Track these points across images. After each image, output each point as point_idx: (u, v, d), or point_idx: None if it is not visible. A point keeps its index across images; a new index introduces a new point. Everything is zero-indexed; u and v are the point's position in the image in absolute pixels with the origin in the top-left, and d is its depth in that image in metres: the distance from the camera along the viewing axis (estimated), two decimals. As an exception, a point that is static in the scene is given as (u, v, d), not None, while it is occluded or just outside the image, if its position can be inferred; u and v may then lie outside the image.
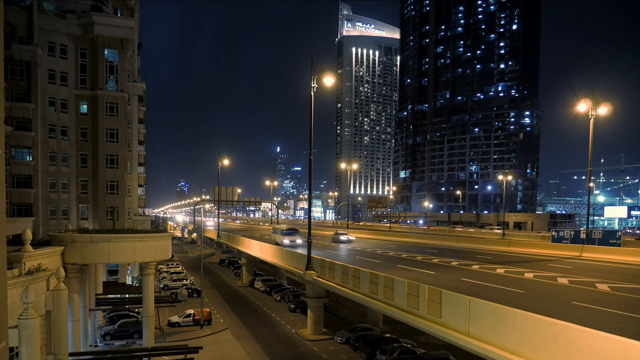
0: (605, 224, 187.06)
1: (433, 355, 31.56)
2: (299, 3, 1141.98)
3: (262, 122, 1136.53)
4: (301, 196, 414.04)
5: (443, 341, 21.43)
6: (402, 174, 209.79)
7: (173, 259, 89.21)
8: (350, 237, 61.81)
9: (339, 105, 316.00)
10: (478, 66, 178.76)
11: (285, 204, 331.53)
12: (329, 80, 33.27)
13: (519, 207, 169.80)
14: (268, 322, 46.09)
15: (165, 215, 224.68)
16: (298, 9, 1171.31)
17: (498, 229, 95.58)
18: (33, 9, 41.56)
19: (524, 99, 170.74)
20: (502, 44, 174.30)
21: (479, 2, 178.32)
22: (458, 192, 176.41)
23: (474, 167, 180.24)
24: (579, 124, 47.70)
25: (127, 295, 43.75)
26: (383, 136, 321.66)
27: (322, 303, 41.07)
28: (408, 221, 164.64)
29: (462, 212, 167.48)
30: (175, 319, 43.81)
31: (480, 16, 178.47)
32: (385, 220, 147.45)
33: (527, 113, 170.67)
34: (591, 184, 52.31)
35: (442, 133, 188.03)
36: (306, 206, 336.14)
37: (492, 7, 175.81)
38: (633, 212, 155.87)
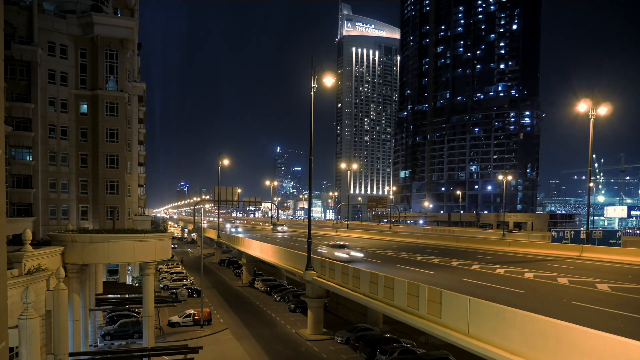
0: (605, 224, 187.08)
1: (433, 355, 31.55)
2: (299, 3, 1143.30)
3: (262, 122, 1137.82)
4: (301, 196, 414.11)
5: (443, 341, 21.42)
6: (402, 174, 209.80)
7: (173, 258, 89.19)
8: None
9: (339, 105, 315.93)
10: (478, 66, 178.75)
11: (285, 204, 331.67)
12: (329, 80, 33.24)
13: (519, 207, 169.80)
14: (268, 322, 46.08)
15: (166, 216, 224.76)
16: (298, 9, 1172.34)
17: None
18: (33, 9, 41.54)
19: (524, 99, 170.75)
20: (502, 44, 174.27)
21: (479, 2, 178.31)
22: (458, 192, 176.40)
23: (474, 167, 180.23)
24: (579, 124, 47.68)
25: (127, 295, 43.76)
26: (383, 136, 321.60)
27: (322, 303, 41.06)
28: (408, 221, 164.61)
29: (462, 212, 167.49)
30: (175, 319, 43.80)
31: (480, 16, 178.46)
32: (386, 220, 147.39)
33: (527, 113, 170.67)
34: (591, 184, 52.30)
35: (442, 133, 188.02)
36: (306, 206, 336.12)
37: (492, 7, 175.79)
38: (633, 212, 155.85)
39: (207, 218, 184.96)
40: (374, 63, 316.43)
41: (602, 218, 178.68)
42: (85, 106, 45.21)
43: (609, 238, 44.76)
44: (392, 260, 38.35)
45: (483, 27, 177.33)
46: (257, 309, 52.01)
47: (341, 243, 41.60)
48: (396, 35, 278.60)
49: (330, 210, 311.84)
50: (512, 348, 15.37)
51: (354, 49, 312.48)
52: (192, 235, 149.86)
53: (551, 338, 13.97)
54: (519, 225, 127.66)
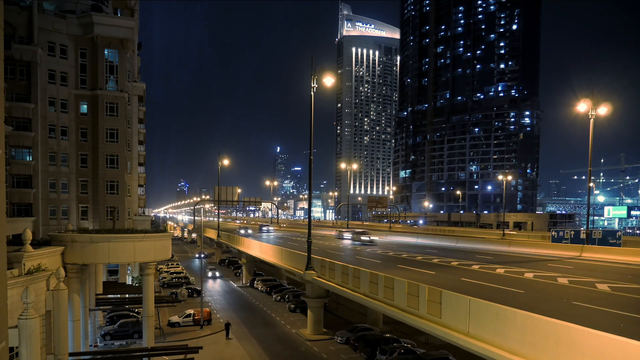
0: (605, 223, 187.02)
1: (433, 355, 31.55)
2: (299, 3, 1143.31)
3: (262, 122, 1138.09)
4: (301, 196, 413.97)
5: (443, 341, 21.42)
6: (402, 174, 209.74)
7: (173, 258, 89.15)
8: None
9: (339, 105, 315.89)
10: (478, 66, 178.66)
11: (285, 204, 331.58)
12: (329, 80, 33.26)
13: (519, 207, 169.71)
14: (268, 322, 46.08)
15: (166, 215, 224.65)
16: (298, 9, 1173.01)
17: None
18: (33, 9, 41.54)
19: (524, 99, 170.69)
20: (502, 44, 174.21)
21: (479, 2, 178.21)
22: (458, 192, 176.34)
23: (474, 167, 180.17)
24: (579, 124, 47.69)
25: (127, 295, 43.76)
26: (383, 136, 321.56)
27: (322, 303, 41.06)
28: (408, 221, 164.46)
29: (462, 212, 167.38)
30: (175, 319, 43.80)
31: (480, 16, 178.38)
32: (385, 220, 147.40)
33: (527, 113, 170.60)
34: (591, 184, 52.29)
35: (442, 133, 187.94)
36: (306, 206, 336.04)
37: (492, 7, 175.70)
38: (633, 212, 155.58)
39: (208, 218, 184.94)
40: (373, 63, 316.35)
41: (602, 218, 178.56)
42: (85, 106, 45.20)
43: (609, 238, 44.71)
44: (392, 260, 38.35)
45: (483, 27, 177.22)
46: (257, 309, 52.01)
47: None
48: (396, 35, 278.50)
49: (330, 210, 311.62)
50: (512, 348, 15.37)
51: (354, 49, 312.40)
52: (193, 235, 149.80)
53: (551, 338, 13.97)
54: (519, 225, 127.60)
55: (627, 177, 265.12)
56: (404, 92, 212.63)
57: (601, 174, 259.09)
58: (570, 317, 16.24)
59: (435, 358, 31.02)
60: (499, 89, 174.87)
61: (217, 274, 77.23)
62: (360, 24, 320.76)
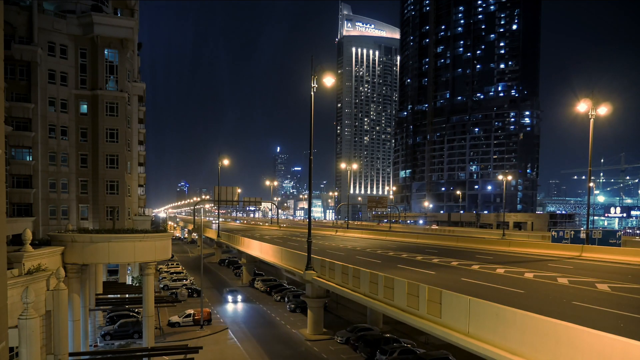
0: (605, 224, 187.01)
1: (433, 355, 31.56)
2: (299, 3, 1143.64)
3: (262, 122, 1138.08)
4: (301, 196, 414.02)
5: (443, 341, 21.43)
6: (402, 174, 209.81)
7: (173, 258, 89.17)
8: None
9: (339, 105, 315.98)
10: (478, 66, 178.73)
11: (285, 204, 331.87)
12: (329, 80, 33.26)
13: (519, 207, 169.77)
14: (268, 322, 46.08)
15: (166, 215, 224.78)
16: (298, 8, 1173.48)
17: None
18: (33, 9, 41.56)
19: (524, 99, 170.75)
20: (502, 44, 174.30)
21: (479, 2, 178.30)
22: (458, 192, 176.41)
23: (474, 167, 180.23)
24: (579, 124, 47.66)
25: (127, 295, 43.76)
26: (383, 136, 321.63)
27: (322, 303, 41.06)
28: (408, 221, 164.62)
29: (462, 212, 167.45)
30: (175, 319, 43.78)
31: (480, 16, 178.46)
32: (386, 220, 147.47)
33: (527, 113, 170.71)
34: (591, 184, 52.29)
35: (442, 133, 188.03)
36: (306, 206, 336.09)
37: (492, 7, 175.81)
38: (633, 212, 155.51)
39: (208, 218, 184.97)
40: (373, 63, 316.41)
41: (602, 218, 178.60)
42: (85, 106, 45.21)
43: (609, 238, 44.73)
44: (392, 260, 38.36)
45: (483, 27, 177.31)
46: (257, 309, 52.00)
47: None
48: (396, 35, 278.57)
49: (330, 210, 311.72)
50: (512, 348, 15.38)
51: (354, 49, 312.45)
52: (193, 235, 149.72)
53: (551, 338, 13.98)
54: (519, 225, 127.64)
55: (627, 177, 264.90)
56: (404, 92, 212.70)
57: (601, 174, 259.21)
58: (570, 317, 16.26)
59: (435, 358, 31.02)
60: (499, 89, 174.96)
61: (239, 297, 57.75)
62: (360, 24, 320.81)
